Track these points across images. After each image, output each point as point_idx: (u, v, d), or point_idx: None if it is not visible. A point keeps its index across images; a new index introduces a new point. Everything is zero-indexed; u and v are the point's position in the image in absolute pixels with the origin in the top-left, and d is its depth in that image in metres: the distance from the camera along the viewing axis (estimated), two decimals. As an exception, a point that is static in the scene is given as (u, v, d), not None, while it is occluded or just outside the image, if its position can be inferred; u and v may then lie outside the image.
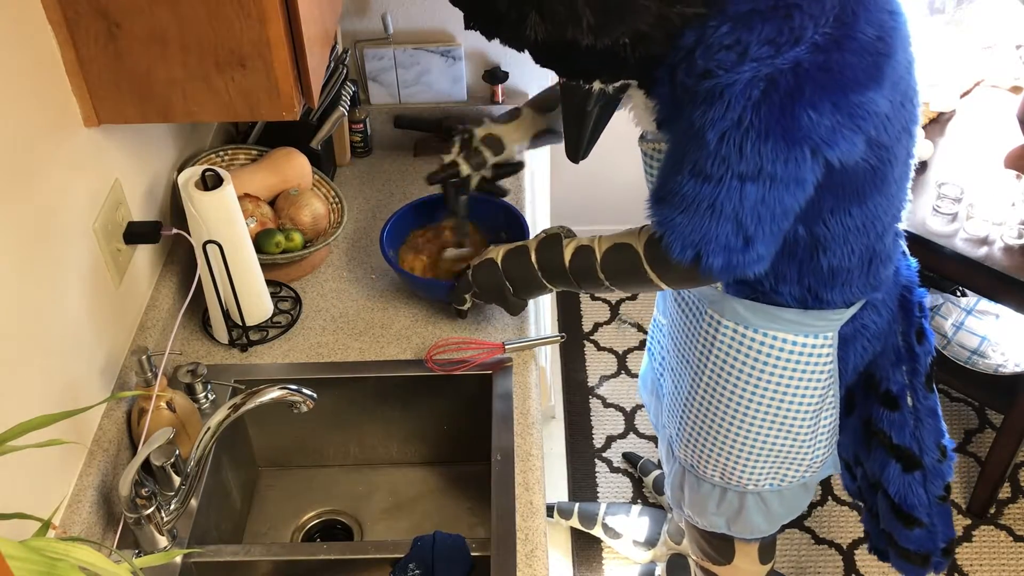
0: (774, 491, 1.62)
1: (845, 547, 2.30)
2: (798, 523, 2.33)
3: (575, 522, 2.28)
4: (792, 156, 1.12)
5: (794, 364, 1.43)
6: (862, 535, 2.29)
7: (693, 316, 1.51)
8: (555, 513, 2.29)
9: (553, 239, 1.40)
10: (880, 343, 1.50)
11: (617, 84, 1.25)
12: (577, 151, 1.38)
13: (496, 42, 1.20)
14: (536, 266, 1.40)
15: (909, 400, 1.52)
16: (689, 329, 1.53)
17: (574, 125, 1.35)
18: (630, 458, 2.49)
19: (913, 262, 1.51)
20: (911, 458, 1.54)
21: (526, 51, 1.18)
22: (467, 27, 1.20)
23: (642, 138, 1.41)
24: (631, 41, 1.12)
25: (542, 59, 1.20)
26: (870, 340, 1.48)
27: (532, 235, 1.67)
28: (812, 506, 2.37)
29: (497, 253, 1.44)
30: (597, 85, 1.25)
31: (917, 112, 1.30)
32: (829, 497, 2.40)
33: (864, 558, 2.27)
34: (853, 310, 1.42)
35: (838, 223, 1.26)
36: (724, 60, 1.10)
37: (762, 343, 1.42)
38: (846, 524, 2.34)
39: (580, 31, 1.10)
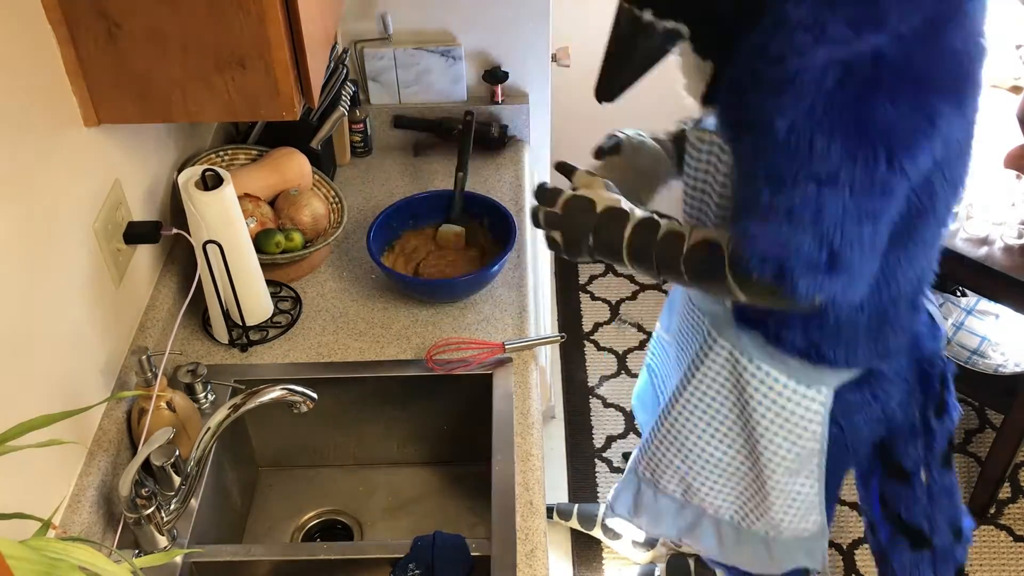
0: (729, 525, 1.57)
1: (845, 547, 2.30)
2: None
3: (574, 523, 2.27)
4: (864, 156, 1.04)
5: (779, 408, 1.38)
6: (861, 535, 2.29)
7: (694, 330, 1.49)
8: (554, 514, 2.29)
9: (652, 220, 1.29)
10: (899, 415, 1.42)
11: (668, 25, 1.17)
12: (608, 88, 1.30)
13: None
14: (627, 239, 1.28)
15: (923, 476, 1.44)
16: (689, 343, 1.51)
17: (615, 58, 1.26)
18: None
19: (942, 332, 1.43)
20: (920, 536, 1.47)
21: None
22: None
23: (691, 125, 1.32)
24: None
25: None
26: (881, 412, 1.40)
27: (519, 234, 1.69)
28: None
29: (602, 201, 1.31)
30: (648, 15, 1.17)
31: (966, 178, 1.20)
32: (829, 497, 2.40)
33: (864, 558, 2.27)
34: (854, 374, 1.36)
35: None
36: (800, 43, 1.02)
37: (753, 375, 1.37)
38: (846, 524, 2.34)
39: None
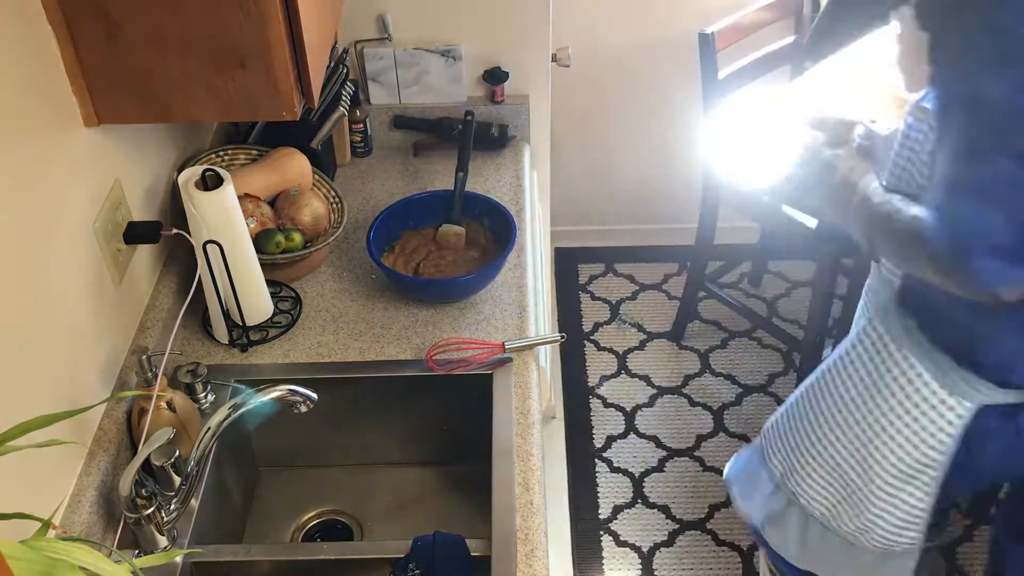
0: (817, 522, 1.50)
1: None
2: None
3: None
4: None
5: (912, 406, 1.30)
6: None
7: (861, 312, 1.41)
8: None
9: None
10: None
11: None
12: (818, 48, 1.24)
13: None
14: (841, 178, 1.23)
15: None
16: (855, 325, 1.43)
17: (834, 17, 1.21)
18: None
19: None
20: None
21: None
22: None
23: (913, 104, 1.22)
24: None
25: None
26: (1016, 449, 1.30)
27: (518, 233, 1.68)
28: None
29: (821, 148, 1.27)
30: None
31: None
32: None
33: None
34: (1003, 396, 1.25)
35: None
36: None
37: (897, 363, 1.29)
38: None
39: None
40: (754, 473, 1.60)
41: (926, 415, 1.30)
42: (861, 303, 1.46)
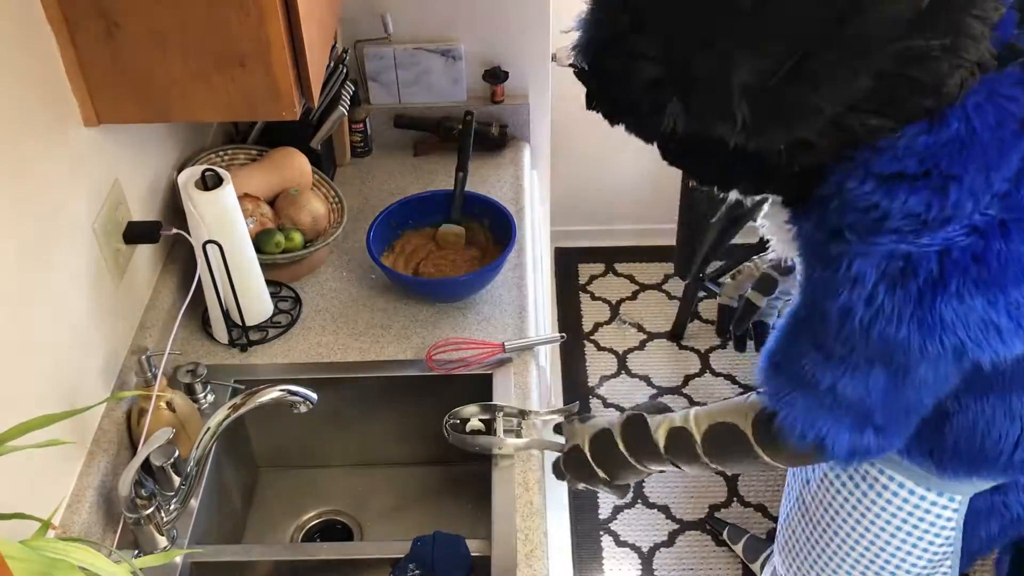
0: None
1: None
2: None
3: (739, 550, 2.27)
4: (929, 351, 0.93)
5: (906, 515, 1.28)
6: None
7: None
8: (725, 534, 2.28)
9: (638, 425, 1.24)
10: None
11: (757, 197, 1.08)
12: (688, 266, 1.21)
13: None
14: (626, 454, 1.25)
15: None
16: None
17: (691, 236, 1.18)
18: (716, 525, 2.39)
19: None
20: None
21: (654, 143, 1.00)
22: (588, 107, 1.02)
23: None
24: (787, 148, 0.90)
25: (672, 155, 1.02)
26: (1012, 521, 1.30)
27: (518, 233, 1.67)
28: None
29: (584, 440, 1.29)
30: (733, 195, 1.05)
31: None
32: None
33: None
34: (990, 484, 1.25)
35: (972, 405, 1.09)
36: (858, 223, 0.91)
37: (876, 479, 1.28)
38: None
39: (730, 129, 0.87)
40: None
41: (923, 520, 1.29)
42: None
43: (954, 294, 0.90)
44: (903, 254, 0.90)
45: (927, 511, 1.27)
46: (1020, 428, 1.11)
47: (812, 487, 1.39)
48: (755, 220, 1.19)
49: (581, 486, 1.34)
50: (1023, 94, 0.89)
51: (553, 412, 1.42)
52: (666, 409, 1.27)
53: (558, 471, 1.34)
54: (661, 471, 1.28)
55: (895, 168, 0.88)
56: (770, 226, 1.15)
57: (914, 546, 1.31)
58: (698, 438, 1.19)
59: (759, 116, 0.85)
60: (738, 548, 2.28)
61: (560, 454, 1.33)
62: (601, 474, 1.29)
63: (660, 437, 1.22)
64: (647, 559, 2.30)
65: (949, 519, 1.27)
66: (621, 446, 1.25)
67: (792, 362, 1.04)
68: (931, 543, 1.30)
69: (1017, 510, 1.29)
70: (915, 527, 1.29)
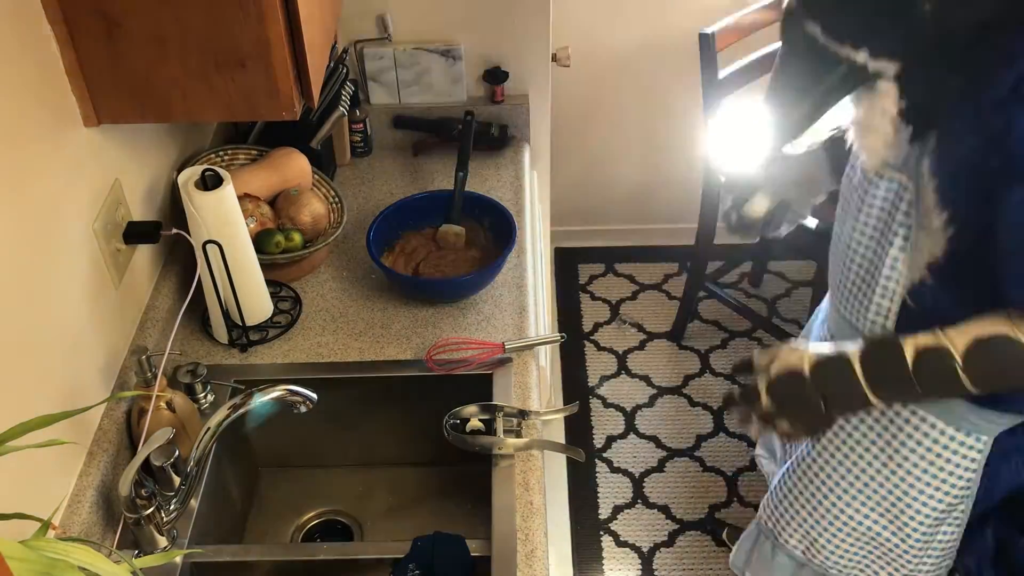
0: None
1: None
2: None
3: None
4: None
5: (934, 456, 1.28)
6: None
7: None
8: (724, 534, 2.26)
9: (888, 345, 1.14)
10: None
11: (875, 65, 1.03)
12: (791, 130, 1.15)
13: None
14: (862, 378, 1.13)
15: None
16: None
17: (795, 97, 1.12)
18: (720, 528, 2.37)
19: None
20: None
21: None
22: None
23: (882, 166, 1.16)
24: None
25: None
26: None
27: (518, 233, 1.67)
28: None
29: (802, 361, 1.17)
30: (862, 57, 1.02)
31: None
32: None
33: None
34: (1016, 419, 1.26)
35: None
36: None
37: (907, 420, 1.27)
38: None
39: None
40: (766, 558, 1.57)
41: (950, 461, 1.28)
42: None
43: None
44: None
45: (955, 451, 1.26)
46: None
47: (830, 433, 1.36)
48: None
49: (785, 426, 1.18)
50: None
51: (553, 412, 1.42)
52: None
53: (744, 399, 1.20)
54: (893, 402, 1.17)
55: None
56: (885, 108, 1.07)
57: (936, 488, 1.30)
58: (958, 355, 1.07)
59: None
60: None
61: (743, 388, 1.21)
62: (820, 403, 1.15)
63: (908, 357, 1.10)
64: (647, 559, 2.30)
65: (973, 459, 1.27)
66: (859, 373, 1.12)
67: None
68: (954, 484, 1.29)
69: None
70: (941, 468, 1.28)
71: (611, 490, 2.44)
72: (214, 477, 1.45)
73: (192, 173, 1.42)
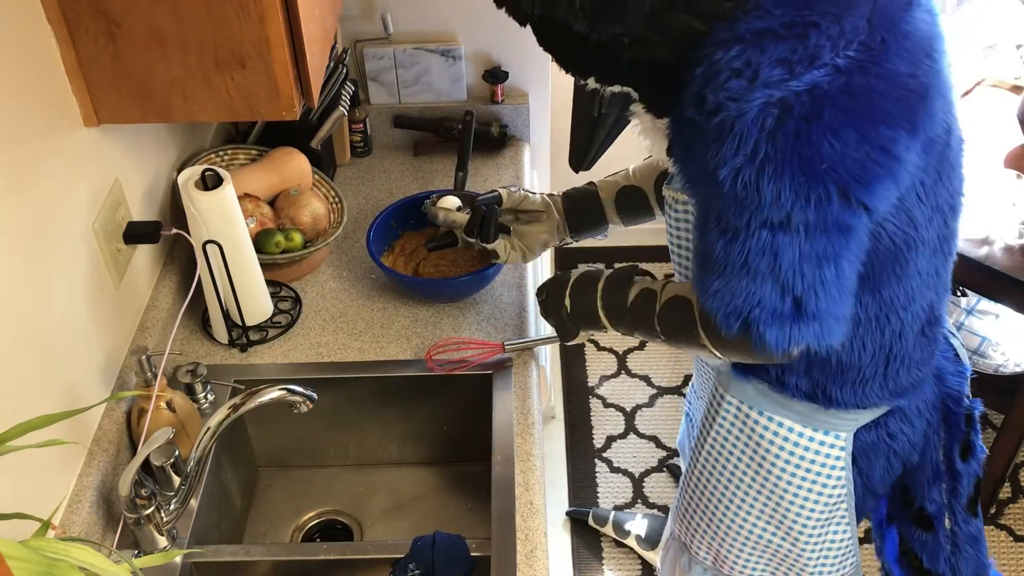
0: None
1: None
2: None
3: (608, 530, 2.27)
4: (816, 194, 0.99)
5: (798, 459, 1.31)
6: (860, 534, 2.29)
7: (704, 386, 1.44)
8: (590, 519, 2.29)
9: (623, 278, 1.32)
10: (915, 456, 1.37)
11: (615, 89, 1.14)
12: (580, 159, 1.31)
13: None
14: (599, 296, 1.32)
15: (947, 523, 1.38)
16: (703, 399, 1.46)
17: (579, 130, 1.28)
18: (673, 470, 2.43)
19: (967, 369, 1.37)
20: None
21: (526, 25, 1.11)
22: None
23: (665, 183, 1.30)
24: (629, 41, 1.02)
25: (540, 39, 1.14)
26: (899, 452, 1.34)
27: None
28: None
29: (576, 271, 1.39)
30: (592, 83, 1.15)
31: (960, 200, 1.15)
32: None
33: (867, 558, 2.27)
34: (870, 415, 1.29)
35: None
36: (734, 89, 0.98)
37: (766, 427, 1.31)
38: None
39: (573, 14, 1.01)
40: (684, 570, 1.59)
41: (814, 462, 1.32)
42: (700, 371, 1.51)
43: (827, 124, 0.97)
44: (777, 100, 0.97)
45: (816, 452, 1.30)
46: (890, 336, 1.18)
47: (706, 447, 1.41)
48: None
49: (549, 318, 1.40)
50: None
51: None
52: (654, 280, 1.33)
53: (540, 289, 1.41)
54: (623, 332, 1.33)
55: (761, 25, 0.98)
56: (644, 128, 1.21)
57: (809, 490, 1.34)
58: (658, 304, 1.25)
59: (595, 5, 1.00)
60: (607, 529, 2.29)
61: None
62: (567, 303, 1.35)
63: (632, 292, 1.29)
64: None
65: (837, 458, 1.31)
66: (600, 286, 1.32)
67: (706, 254, 1.08)
68: (824, 484, 1.33)
69: (901, 440, 1.33)
70: (807, 471, 1.32)
71: (611, 490, 2.44)
72: (214, 477, 1.45)
73: (192, 173, 1.42)
